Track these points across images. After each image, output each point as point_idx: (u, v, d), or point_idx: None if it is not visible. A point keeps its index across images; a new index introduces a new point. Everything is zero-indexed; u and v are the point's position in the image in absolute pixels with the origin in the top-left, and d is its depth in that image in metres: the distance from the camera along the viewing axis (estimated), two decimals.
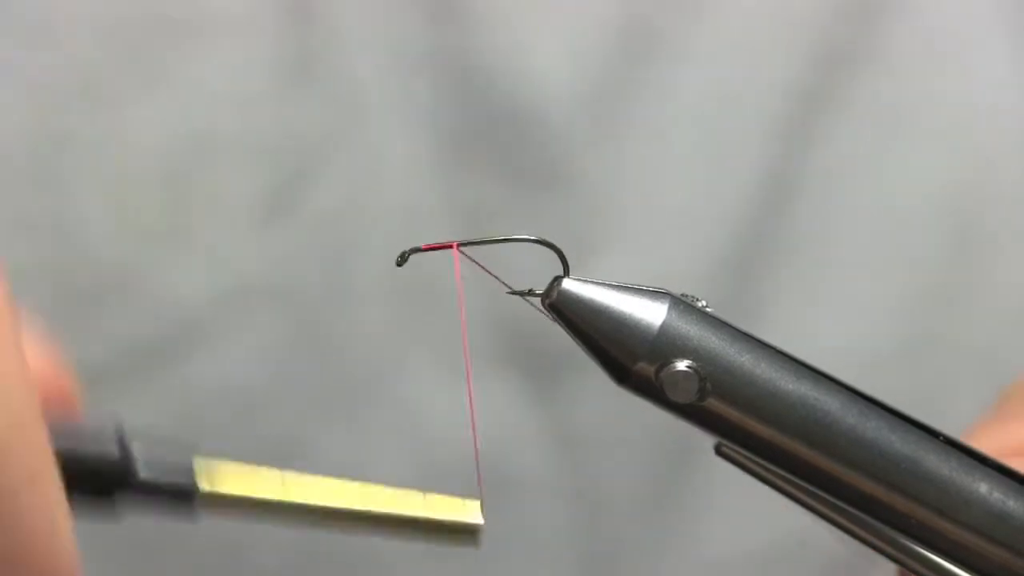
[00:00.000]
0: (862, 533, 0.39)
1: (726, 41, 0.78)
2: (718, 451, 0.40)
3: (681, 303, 0.39)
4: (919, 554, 0.39)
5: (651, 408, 0.45)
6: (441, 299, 0.80)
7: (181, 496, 0.41)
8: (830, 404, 0.39)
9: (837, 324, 0.81)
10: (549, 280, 0.40)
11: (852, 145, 0.80)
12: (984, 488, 0.39)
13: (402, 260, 0.41)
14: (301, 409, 0.81)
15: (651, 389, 0.39)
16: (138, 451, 0.41)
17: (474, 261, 0.42)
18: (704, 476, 0.81)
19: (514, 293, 0.41)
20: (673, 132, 0.79)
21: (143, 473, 0.41)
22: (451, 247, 0.41)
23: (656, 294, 0.39)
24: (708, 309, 0.40)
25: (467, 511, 0.44)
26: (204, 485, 0.41)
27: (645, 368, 0.39)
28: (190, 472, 0.41)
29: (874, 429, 0.39)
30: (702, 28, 0.78)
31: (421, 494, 0.43)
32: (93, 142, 0.76)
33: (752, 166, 0.80)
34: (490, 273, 0.42)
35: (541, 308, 0.40)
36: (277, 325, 0.80)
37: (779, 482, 0.40)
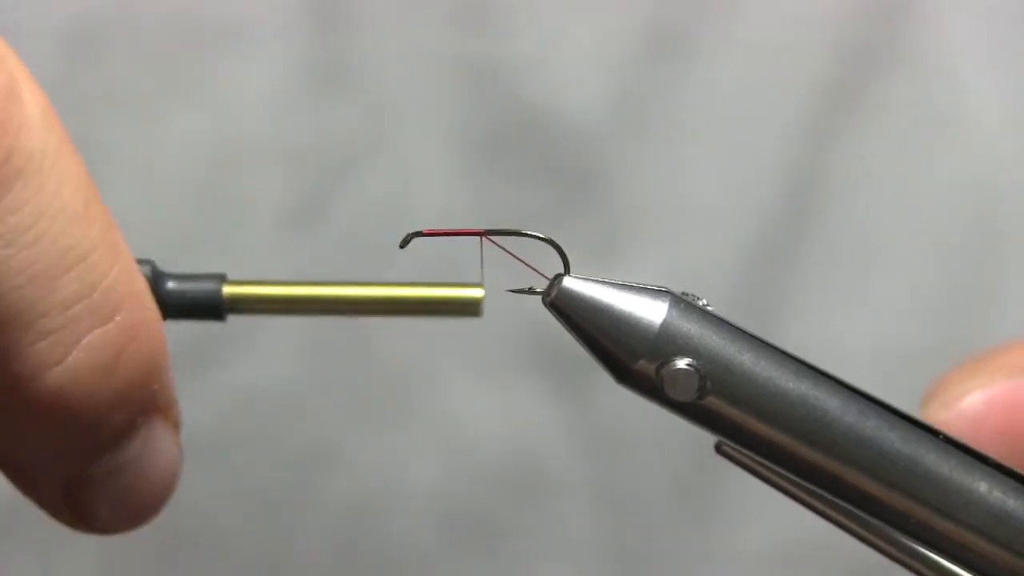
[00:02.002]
0: (862, 532, 0.39)
1: (751, 41, 0.78)
2: (718, 450, 0.40)
3: (682, 301, 0.40)
4: (919, 553, 0.39)
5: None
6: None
7: (208, 296, 0.43)
8: (830, 403, 0.39)
9: (862, 324, 0.80)
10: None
11: (878, 144, 0.80)
12: (984, 487, 0.39)
13: (404, 243, 0.42)
14: (334, 413, 0.81)
15: (651, 387, 0.39)
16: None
17: (500, 246, 0.42)
18: (732, 474, 0.81)
19: (515, 291, 0.41)
20: (699, 133, 0.79)
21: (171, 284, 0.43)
22: (453, 233, 0.42)
23: (657, 292, 0.39)
24: (709, 308, 0.40)
25: (469, 289, 0.45)
26: (227, 290, 0.44)
27: (645, 366, 0.39)
28: (216, 281, 0.44)
29: (874, 428, 0.39)
30: (727, 29, 0.78)
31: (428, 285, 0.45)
32: (124, 150, 0.77)
33: (778, 166, 0.79)
34: (515, 256, 0.42)
35: (544, 306, 0.40)
36: (309, 330, 0.81)
37: (779, 481, 0.40)
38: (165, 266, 0.43)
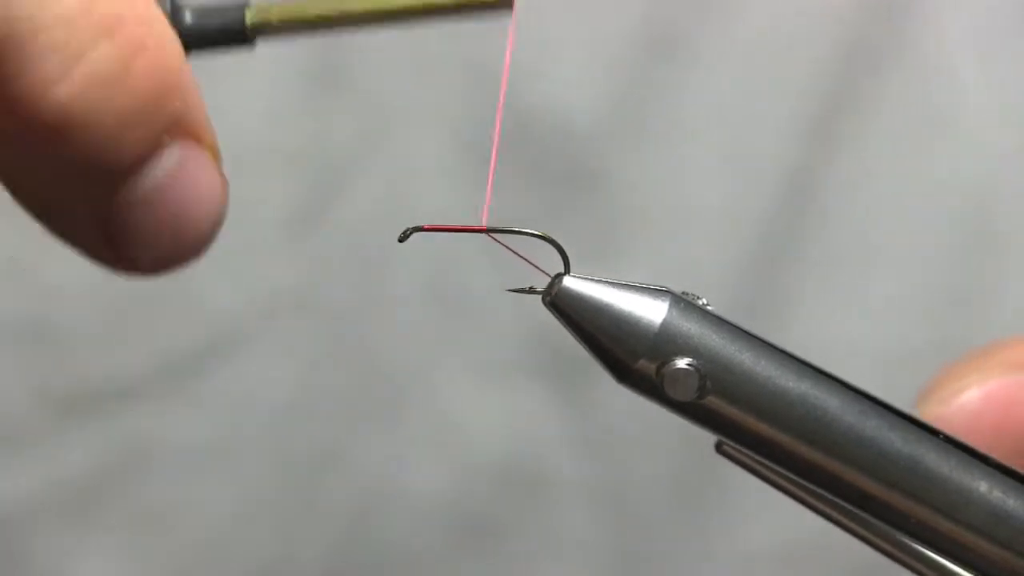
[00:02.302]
0: (862, 531, 0.39)
1: (750, 42, 0.78)
2: (718, 449, 0.40)
3: (682, 301, 0.39)
4: (919, 553, 0.39)
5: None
6: (474, 310, 0.80)
7: (233, 23, 0.42)
8: (830, 402, 0.39)
9: (862, 324, 0.80)
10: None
11: (877, 144, 0.80)
12: (984, 487, 0.39)
13: (404, 237, 0.42)
14: (336, 416, 0.81)
15: (652, 387, 0.39)
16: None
17: (503, 244, 0.42)
18: (732, 474, 0.81)
19: (515, 291, 0.41)
20: (698, 133, 0.79)
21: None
22: (453, 230, 0.42)
23: (657, 292, 0.39)
24: (709, 307, 0.40)
25: None
26: (252, 13, 0.42)
27: (646, 366, 0.39)
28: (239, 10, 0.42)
29: (874, 427, 0.39)
30: (725, 30, 0.78)
31: None
32: None
33: (777, 166, 0.80)
34: (516, 253, 0.42)
35: (543, 305, 0.40)
36: (310, 334, 0.81)
37: (779, 480, 0.40)
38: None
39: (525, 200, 0.79)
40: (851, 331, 0.80)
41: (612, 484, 0.83)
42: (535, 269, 0.41)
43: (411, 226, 0.42)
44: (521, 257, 0.42)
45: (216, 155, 0.40)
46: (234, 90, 0.78)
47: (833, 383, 0.39)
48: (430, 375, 0.82)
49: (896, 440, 0.39)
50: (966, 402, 0.46)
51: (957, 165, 0.80)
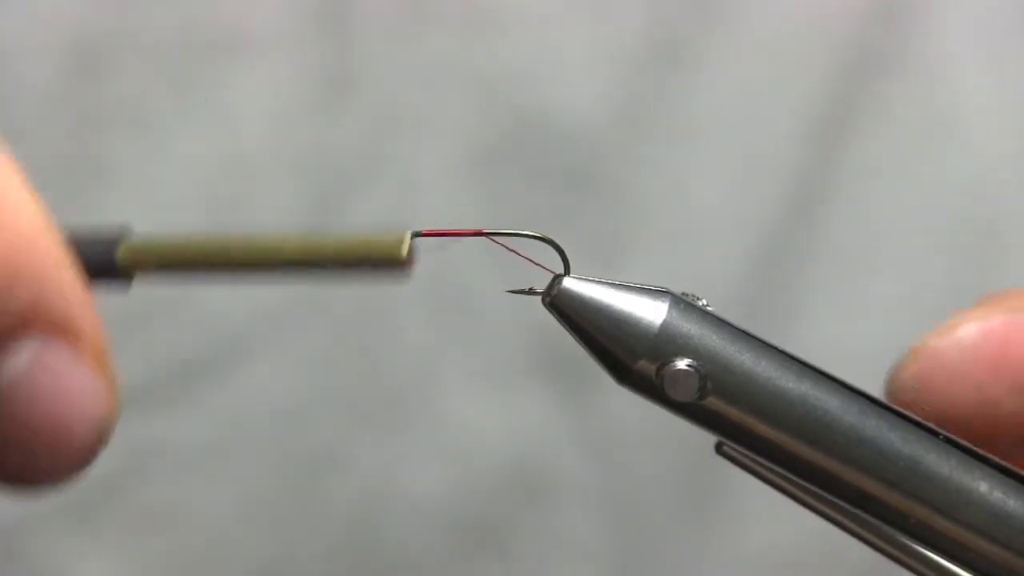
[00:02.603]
0: (862, 532, 0.39)
1: (752, 47, 0.79)
2: (718, 450, 0.40)
3: (682, 302, 0.40)
4: (919, 553, 0.39)
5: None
6: (476, 312, 0.80)
7: (104, 256, 0.38)
8: (830, 403, 0.39)
9: (866, 327, 0.80)
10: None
11: (880, 148, 0.80)
12: (984, 487, 0.39)
13: None
14: (338, 419, 0.81)
15: (652, 388, 0.39)
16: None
17: (503, 246, 0.42)
18: (735, 477, 0.81)
19: (515, 292, 0.41)
20: (703, 138, 0.80)
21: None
22: (452, 234, 0.42)
23: (657, 293, 0.39)
24: (709, 308, 0.40)
25: (396, 242, 0.40)
26: (124, 249, 0.38)
27: (646, 367, 0.39)
28: (113, 239, 0.39)
29: (874, 428, 0.39)
30: (729, 34, 0.78)
31: (349, 234, 0.40)
32: (133, 165, 0.77)
33: (781, 170, 0.80)
34: (517, 253, 0.42)
35: (543, 306, 0.40)
36: (316, 340, 0.81)
37: (780, 481, 0.40)
38: None
39: (531, 205, 0.80)
40: (855, 334, 0.80)
41: (614, 486, 0.83)
42: (536, 271, 0.41)
43: (410, 232, 0.41)
44: (522, 256, 0.42)
45: (98, 359, 0.35)
46: (242, 97, 0.78)
47: (833, 383, 0.39)
48: (432, 379, 0.82)
49: (896, 440, 0.39)
50: (963, 336, 0.45)
51: (960, 168, 0.81)
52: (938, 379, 0.49)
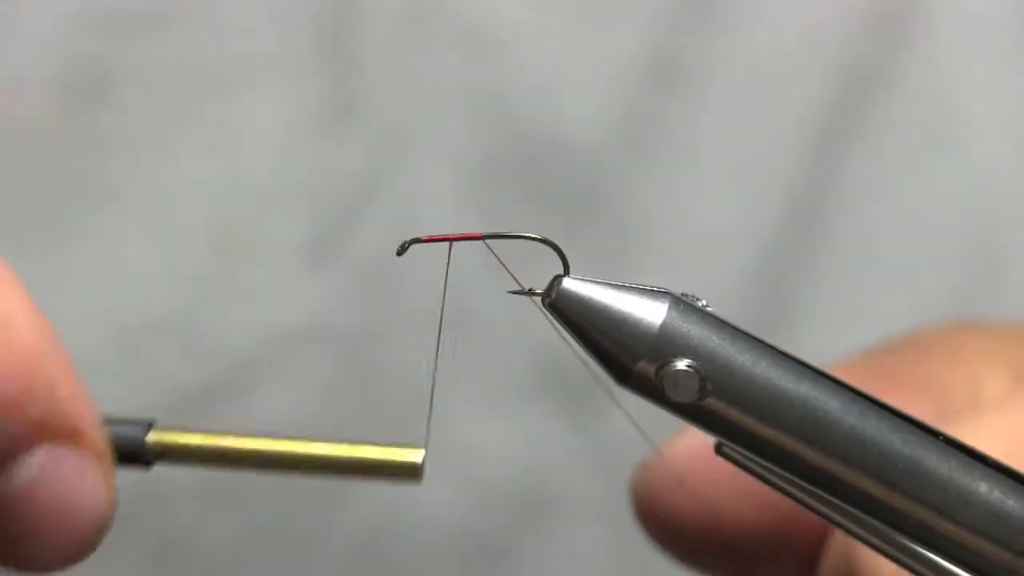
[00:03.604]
0: (862, 533, 0.39)
1: (751, 62, 0.79)
2: (718, 451, 0.40)
3: (681, 302, 0.40)
4: (919, 554, 0.39)
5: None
6: (481, 336, 0.80)
7: (131, 443, 0.41)
8: (830, 404, 0.39)
9: (867, 338, 0.80)
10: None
11: (879, 161, 0.80)
12: (984, 488, 0.39)
13: (402, 250, 0.42)
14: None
15: (652, 388, 0.39)
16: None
17: (493, 253, 0.42)
18: None
19: (515, 292, 0.41)
20: (702, 156, 0.80)
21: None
22: (448, 239, 0.42)
23: (656, 293, 0.40)
24: (709, 308, 0.40)
25: (409, 453, 0.44)
26: (152, 436, 0.41)
27: (646, 367, 0.39)
28: (141, 428, 0.42)
29: (874, 429, 0.39)
30: (727, 50, 0.79)
31: (365, 443, 0.44)
32: (137, 193, 0.78)
33: (781, 184, 0.80)
34: (504, 265, 0.42)
35: (541, 308, 0.40)
36: (323, 365, 0.81)
37: (780, 482, 0.40)
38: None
39: (534, 224, 0.80)
40: (856, 346, 0.80)
41: (621, 505, 0.83)
42: (536, 274, 0.41)
43: (408, 239, 0.42)
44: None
45: (101, 458, 0.38)
46: (246, 123, 0.78)
47: (833, 384, 0.39)
48: (438, 399, 0.82)
49: (896, 441, 0.39)
50: (680, 446, 0.48)
51: (960, 179, 0.81)
52: (661, 492, 0.49)
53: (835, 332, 0.80)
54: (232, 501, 0.81)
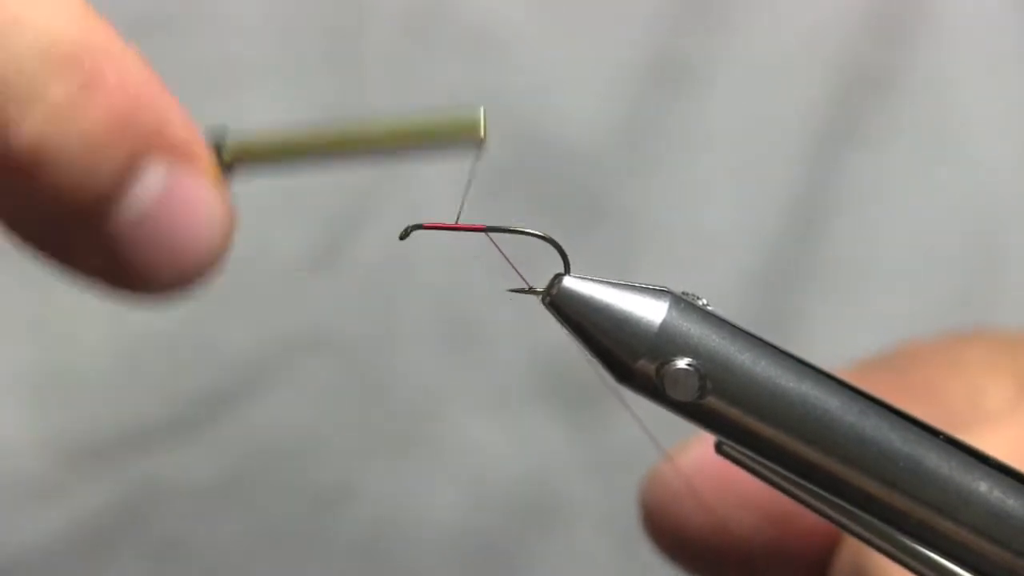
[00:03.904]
0: (862, 532, 0.39)
1: (753, 64, 0.79)
2: (719, 450, 0.40)
3: (682, 301, 0.40)
4: (919, 553, 0.39)
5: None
6: (484, 343, 0.80)
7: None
8: (830, 403, 0.39)
9: (870, 342, 0.80)
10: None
11: (882, 163, 0.80)
12: (984, 487, 0.39)
13: (405, 235, 0.42)
14: (350, 450, 0.81)
15: (652, 387, 0.39)
16: None
17: (496, 245, 0.42)
18: None
19: (516, 291, 0.41)
20: (705, 158, 0.80)
21: None
22: (452, 228, 0.42)
23: (657, 292, 0.40)
24: (709, 307, 0.40)
25: (473, 120, 0.43)
26: (228, 146, 0.41)
27: (646, 366, 0.39)
28: (217, 137, 0.42)
29: (874, 428, 0.39)
30: (729, 54, 0.79)
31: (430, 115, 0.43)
32: None
33: (784, 188, 0.80)
34: (507, 259, 0.42)
35: (543, 306, 0.40)
36: (325, 371, 0.81)
37: (780, 481, 0.40)
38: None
39: (534, 226, 0.80)
40: (859, 349, 0.80)
41: (627, 510, 0.83)
42: (537, 273, 0.41)
43: (411, 224, 0.42)
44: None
45: (212, 174, 0.39)
46: (247, 125, 0.78)
47: (833, 383, 0.39)
48: (446, 409, 0.82)
49: (896, 440, 0.39)
50: (689, 457, 0.49)
51: (961, 181, 0.81)
52: (670, 502, 0.50)
53: (837, 333, 0.80)
54: (233, 507, 0.81)
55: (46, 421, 0.78)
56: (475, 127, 0.42)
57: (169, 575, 0.81)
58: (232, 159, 0.41)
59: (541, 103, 0.79)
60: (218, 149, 0.41)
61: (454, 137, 0.43)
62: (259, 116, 0.78)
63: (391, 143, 0.42)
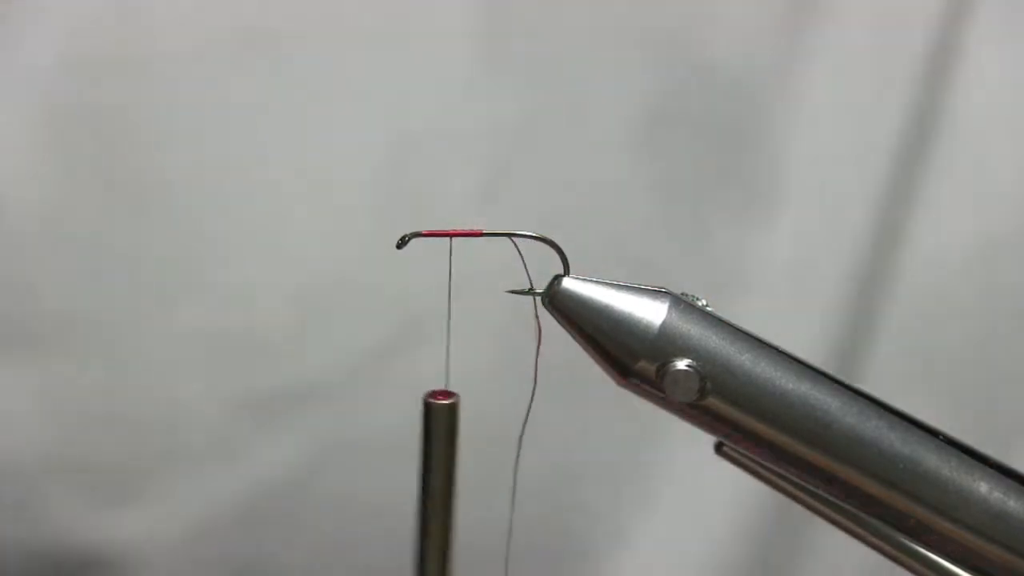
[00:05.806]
0: (862, 532, 0.39)
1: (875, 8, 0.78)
2: (718, 450, 0.40)
3: (681, 302, 0.39)
4: (919, 554, 0.39)
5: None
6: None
7: None
8: (830, 403, 0.39)
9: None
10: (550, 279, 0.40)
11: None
12: (984, 488, 0.39)
13: (401, 243, 0.42)
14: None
15: (652, 388, 0.39)
16: None
17: (517, 247, 0.42)
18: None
19: (514, 292, 0.41)
20: (834, 89, 0.79)
21: None
22: (448, 235, 0.42)
23: (656, 293, 0.39)
24: (708, 308, 0.40)
25: None
26: None
27: (646, 367, 0.39)
28: None
29: (874, 428, 0.39)
30: None
31: None
32: (298, 154, 0.77)
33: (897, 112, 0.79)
34: (521, 257, 0.42)
35: (543, 306, 0.40)
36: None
37: (779, 481, 0.40)
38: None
39: (695, 162, 0.79)
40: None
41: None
42: (536, 272, 0.41)
43: (408, 232, 0.42)
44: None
45: None
46: (406, 80, 0.77)
47: (833, 384, 0.39)
48: None
49: (896, 441, 0.39)
50: None
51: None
52: None
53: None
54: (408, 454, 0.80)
55: (227, 380, 0.78)
56: None
57: (348, 531, 0.81)
58: None
59: (702, 41, 0.78)
60: None
61: None
62: (416, 68, 0.77)
63: None
